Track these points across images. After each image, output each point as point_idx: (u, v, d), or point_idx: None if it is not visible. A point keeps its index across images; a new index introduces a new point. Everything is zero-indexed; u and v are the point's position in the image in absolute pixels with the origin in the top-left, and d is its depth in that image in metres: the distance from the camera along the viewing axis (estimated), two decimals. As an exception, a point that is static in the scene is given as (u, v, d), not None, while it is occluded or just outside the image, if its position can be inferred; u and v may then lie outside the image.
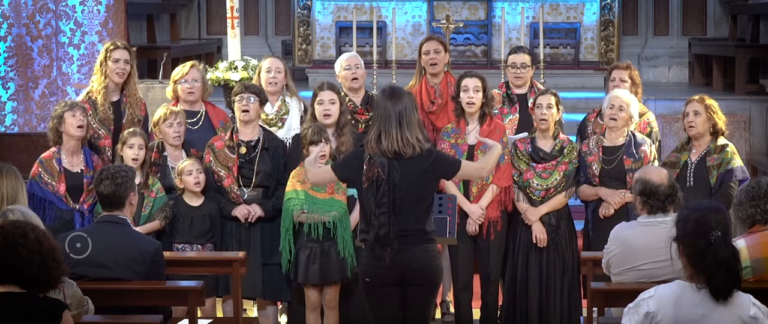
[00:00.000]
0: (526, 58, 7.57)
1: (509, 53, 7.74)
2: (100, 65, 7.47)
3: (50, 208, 6.90)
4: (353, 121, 7.34)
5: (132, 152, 6.84)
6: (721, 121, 6.97)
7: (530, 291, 6.97)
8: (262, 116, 7.25)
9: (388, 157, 5.51)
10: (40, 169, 6.96)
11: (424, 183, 5.60)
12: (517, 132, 7.37)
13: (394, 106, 5.53)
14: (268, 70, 7.53)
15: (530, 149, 6.99)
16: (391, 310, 5.69)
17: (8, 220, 4.19)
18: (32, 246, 3.93)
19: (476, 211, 6.94)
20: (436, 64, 7.67)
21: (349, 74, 7.53)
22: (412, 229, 5.56)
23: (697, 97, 7.05)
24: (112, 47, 7.51)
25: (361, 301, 6.23)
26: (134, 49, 7.91)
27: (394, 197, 5.50)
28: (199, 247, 6.81)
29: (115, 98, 7.52)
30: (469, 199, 6.96)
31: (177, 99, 7.49)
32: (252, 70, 8.93)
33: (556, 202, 6.96)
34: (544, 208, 6.96)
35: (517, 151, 7.02)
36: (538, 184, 6.96)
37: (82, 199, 6.99)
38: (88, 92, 7.53)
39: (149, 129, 7.31)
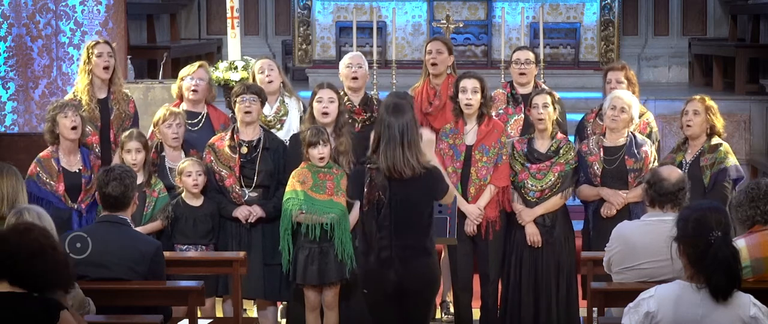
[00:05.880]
0: (529, 55, 7.57)
1: (513, 52, 7.74)
2: (84, 64, 7.56)
3: (48, 207, 6.88)
4: (350, 121, 7.34)
5: (130, 157, 6.83)
6: (719, 123, 6.98)
7: (523, 292, 6.96)
8: (260, 117, 7.24)
9: (387, 175, 5.52)
10: (37, 169, 6.97)
11: (423, 201, 5.63)
12: (523, 132, 7.36)
13: (398, 122, 5.52)
14: (261, 70, 7.54)
15: (526, 149, 6.98)
16: (391, 320, 5.73)
17: (37, 227, 4.14)
18: (51, 255, 3.95)
19: (474, 211, 6.93)
20: (436, 64, 7.67)
21: (349, 72, 7.50)
22: (413, 245, 5.59)
23: (698, 97, 7.05)
24: (93, 43, 7.66)
25: (360, 302, 6.22)
26: (114, 44, 7.98)
27: (395, 219, 5.54)
28: (203, 247, 6.80)
29: (102, 95, 7.56)
30: (466, 200, 6.94)
31: (180, 99, 7.50)
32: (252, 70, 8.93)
33: (552, 203, 6.94)
34: (539, 210, 6.94)
35: (514, 151, 7.00)
36: (532, 185, 6.94)
37: (80, 199, 6.99)
38: (73, 92, 7.56)
39: (149, 128, 7.30)
